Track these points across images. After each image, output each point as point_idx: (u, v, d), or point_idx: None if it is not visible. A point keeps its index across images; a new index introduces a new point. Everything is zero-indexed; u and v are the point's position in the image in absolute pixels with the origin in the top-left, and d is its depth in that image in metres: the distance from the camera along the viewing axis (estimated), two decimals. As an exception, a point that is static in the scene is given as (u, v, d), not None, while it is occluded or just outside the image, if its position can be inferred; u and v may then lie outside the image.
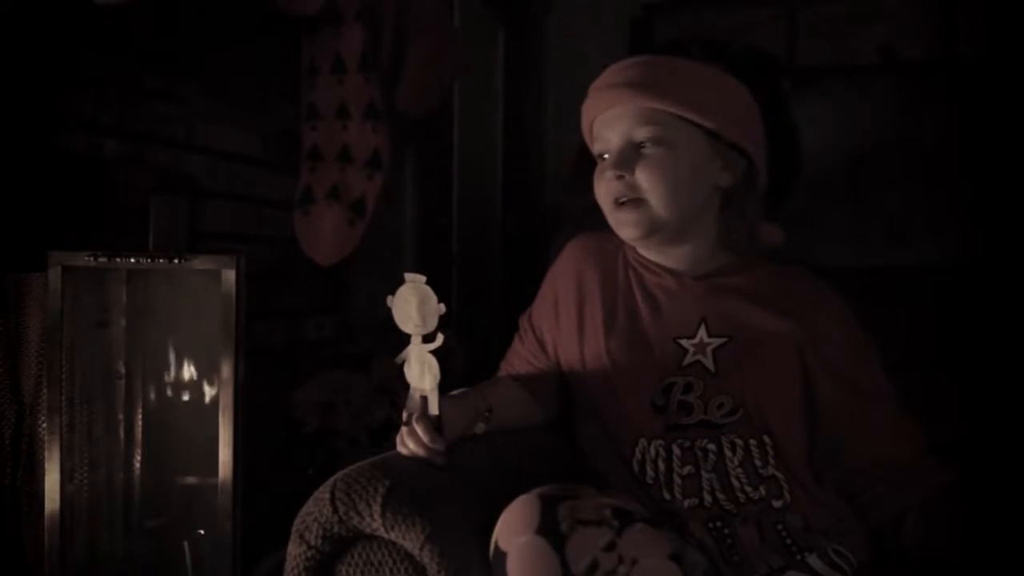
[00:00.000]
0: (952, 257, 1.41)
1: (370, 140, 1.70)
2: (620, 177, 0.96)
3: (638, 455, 0.96)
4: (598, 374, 1.01)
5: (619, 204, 0.98)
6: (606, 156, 1.00)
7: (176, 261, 1.20)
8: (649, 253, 1.05)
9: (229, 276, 1.21)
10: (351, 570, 0.88)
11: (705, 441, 0.94)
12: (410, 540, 0.83)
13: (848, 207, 1.45)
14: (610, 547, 0.74)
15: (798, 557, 0.90)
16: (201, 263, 1.22)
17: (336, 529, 0.86)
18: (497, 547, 0.79)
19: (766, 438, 0.95)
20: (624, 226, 0.99)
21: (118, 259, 1.19)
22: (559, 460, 1.05)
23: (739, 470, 0.93)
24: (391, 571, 0.86)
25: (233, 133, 1.63)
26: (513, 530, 0.78)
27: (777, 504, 0.93)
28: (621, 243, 1.06)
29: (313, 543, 0.87)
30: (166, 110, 1.46)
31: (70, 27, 1.24)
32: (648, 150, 0.96)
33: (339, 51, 1.68)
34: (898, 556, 0.95)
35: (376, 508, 0.84)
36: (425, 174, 2.37)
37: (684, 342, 0.99)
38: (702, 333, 0.98)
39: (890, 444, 0.97)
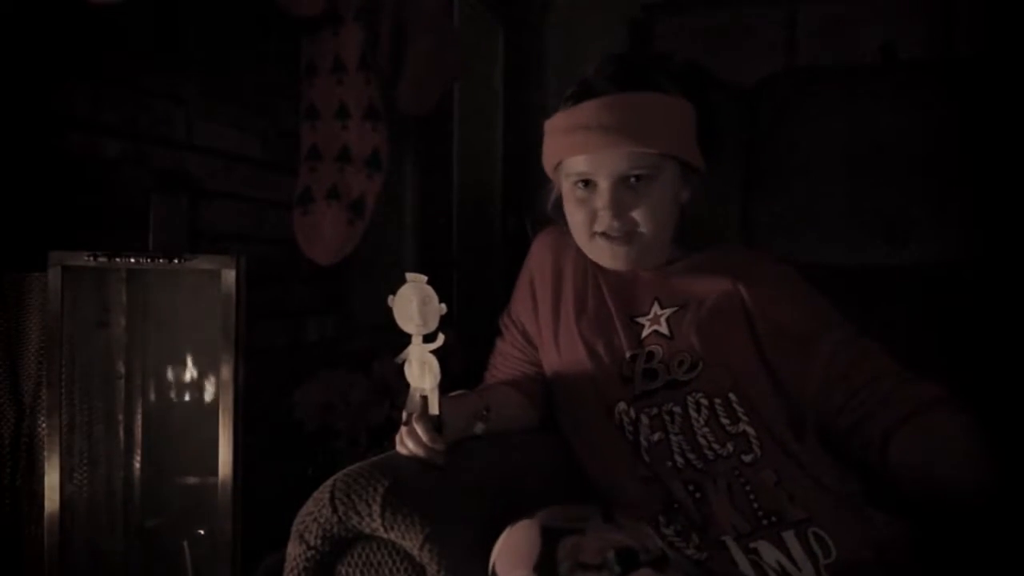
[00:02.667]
0: (952, 257, 1.41)
1: (369, 140, 1.70)
2: (618, 216, 1.01)
3: (616, 416, 1.00)
4: (572, 356, 1.06)
5: (608, 236, 1.02)
6: (587, 184, 1.03)
7: (176, 261, 1.20)
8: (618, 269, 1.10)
9: (229, 276, 1.21)
10: (351, 570, 0.88)
11: (671, 404, 0.98)
12: (410, 540, 0.83)
13: (848, 207, 1.45)
14: None
15: (764, 522, 0.89)
16: (201, 263, 1.22)
17: (336, 529, 0.86)
18: (495, 574, 0.78)
19: (731, 395, 0.98)
20: (615, 258, 1.04)
21: (118, 259, 1.19)
22: (558, 459, 1.06)
23: (705, 429, 0.96)
24: (391, 571, 0.86)
25: (233, 133, 1.63)
26: (511, 563, 0.77)
27: (747, 459, 0.94)
28: None
29: (313, 543, 0.87)
30: (166, 110, 1.46)
31: (70, 27, 1.24)
32: (642, 189, 1.01)
33: (339, 51, 1.68)
34: (890, 487, 0.94)
35: (376, 508, 0.84)
36: (425, 174, 2.37)
37: (640, 319, 1.06)
38: (655, 308, 1.06)
39: (852, 370, 0.99)
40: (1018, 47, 2.17)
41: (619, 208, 1.00)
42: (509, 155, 2.84)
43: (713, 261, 1.08)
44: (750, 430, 0.96)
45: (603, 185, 1.01)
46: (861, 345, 1.01)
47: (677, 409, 0.98)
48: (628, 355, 1.03)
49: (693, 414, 0.97)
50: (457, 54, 2.04)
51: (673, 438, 0.96)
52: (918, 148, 1.44)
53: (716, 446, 0.95)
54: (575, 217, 1.05)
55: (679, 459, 0.95)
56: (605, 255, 1.05)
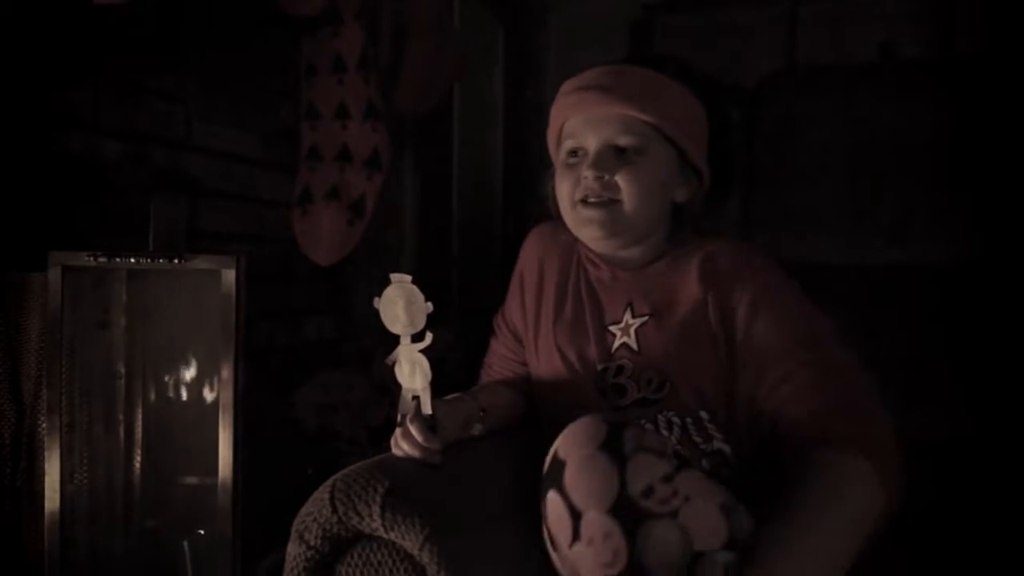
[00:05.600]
0: (952, 257, 1.41)
1: (369, 140, 1.70)
2: (599, 177, 0.97)
3: None
4: (548, 362, 1.05)
5: (587, 202, 0.99)
6: (576, 153, 1.01)
7: (176, 261, 1.20)
8: (602, 252, 1.07)
9: (229, 276, 1.21)
10: (351, 570, 0.88)
11: (644, 422, 0.96)
12: (410, 540, 0.83)
13: (848, 207, 1.45)
14: (668, 479, 0.76)
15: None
16: (201, 263, 1.22)
17: (336, 529, 0.86)
18: (556, 457, 0.80)
19: (703, 414, 0.95)
20: (589, 223, 0.99)
21: (118, 259, 1.19)
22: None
23: (678, 447, 0.93)
24: (391, 571, 0.86)
25: (233, 133, 1.63)
26: (577, 443, 0.79)
27: (725, 473, 0.93)
28: (576, 238, 1.08)
29: (313, 543, 0.87)
30: (166, 110, 1.46)
31: (70, 27, 1.24)
32: (630, 157, 0.98)
33: (338, 51, 1.69)
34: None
35: (376, 508, 0.84)
36: (425, 174, 2.37)
37: (613, 327, 1.02)
38: (627, 316, 1.02)
39: (801, 394, 0.91)
40: (1018, 47, 2.17)
41: (601, 167, 0.96)
42: (509, 155, 2.84)
43: (693, 261, 1.01)
44: (725, 448, 0.94)
45: (591, 148, 0.99)
46: (807, 363, 0.92)
47: (650, 427, 0.95)
48: (599, 367, 1.00)
49: (664, 433, 0.95)
50: (457, 54, 2.04)
51: None
52: (918, 148, 1.44)
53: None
54: (562, 187, 1.02)
55: None
56: (584, 225, 1.00)
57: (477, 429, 1.01)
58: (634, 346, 1.00)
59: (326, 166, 1.70)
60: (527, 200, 2.80)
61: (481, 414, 1.01)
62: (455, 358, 1.73)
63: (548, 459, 0.81)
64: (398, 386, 0.92)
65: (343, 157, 1.70)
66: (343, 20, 1.67)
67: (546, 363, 1.06)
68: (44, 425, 1.17)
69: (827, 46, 2.52)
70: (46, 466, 1.16)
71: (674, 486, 0.76)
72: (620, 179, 0.97)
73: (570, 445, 0.79)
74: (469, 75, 2.44)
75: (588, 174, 0.98)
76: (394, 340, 0.91)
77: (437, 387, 0.92)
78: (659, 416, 0.96)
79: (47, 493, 1.16)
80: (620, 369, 1.00)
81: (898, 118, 1.46)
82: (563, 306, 1.06)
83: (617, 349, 1.01)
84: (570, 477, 0.77)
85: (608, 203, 0.98)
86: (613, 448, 0.77)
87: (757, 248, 1.05)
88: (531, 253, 1.13)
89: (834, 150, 1.47)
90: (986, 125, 1.42)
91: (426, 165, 2.37)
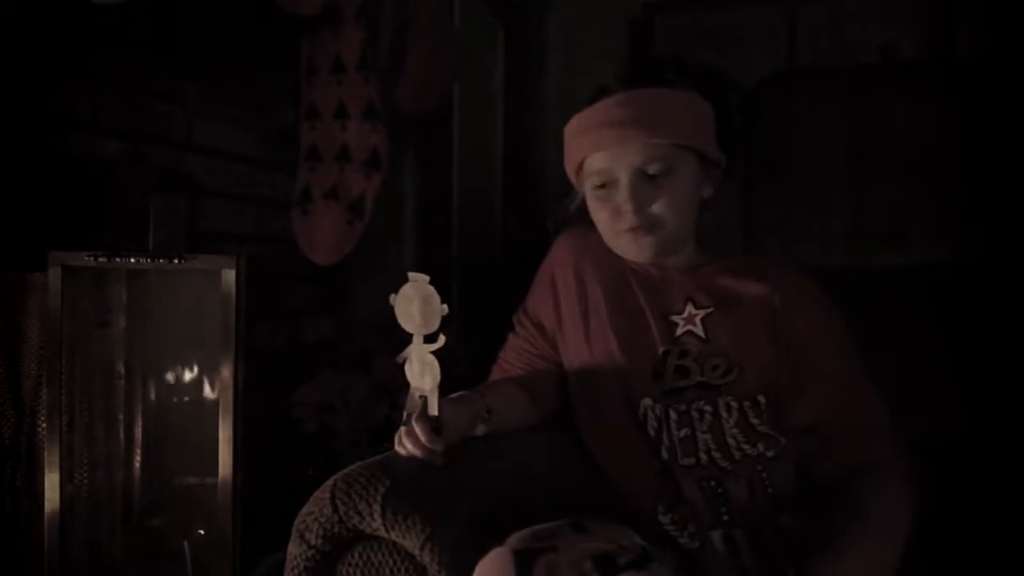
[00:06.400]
0: (952, 257, 1.41)
1: (369, 140, 1.70)
2: (639, 210, 1.01)
3: (640, 415, 1.01)
4: (603, 350, 1.06)
5: (634, 230, 1.02)
6: (605, 185, 1.03)
7: (176, 261, 1.20)
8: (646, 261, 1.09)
9: (229, 276, 1.21)
10: (351, 570, 0.88)
11: (702, 403, 0.99)
12: (410, 540, 0.83)
13: (848, 207, 1.45)
14: None
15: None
16: (201, 263, 1.22)
17: (336, 529, 0.86)
18: None
19: (760, 397, 0.99)
20: (641, 249, 1.04)
21: (118, 259, 1.19)
22: (559, 458, 1.06)
23: (735, 430, 0.97)
24: (391, 571, 0.86)
25: (233, 133, 1.63)
26: None
27: (770, 454, 0.97)
28: None
29: (313, 543, 0.87)
30: (166, 110, 1.46)
31: (70, 26, 1.24)
32: (661, 181, 1.01)
33: (338, 51, 1.68)
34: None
35: (376, 508, 0.84)
36: (425, 174, 2.37)
37: (674, 317, 1.05)
38: (689, 308, 1.05)
39: (837, 422, 0.98)
40: (1019, 47, 2.17)
41: (639, 201, 1.00)
42: (509, 155, 2.84)
43: (745, 265, 1.08)
44: (771, 432, 0.98)
45: (623, 180, 1.01)
46: (848, 387, 1.00)
47: (708, 408, 0.99)
48: (661, 350, 1.03)
49: (723, 414, 0.98)
50: (457, 54, 2.04)
51: (701, 436, 0.98)
52: (919, 148, 1.44)
53: (746, 446, 0.96)
54: (599, 217, 1.05)
55: (703, 456, 0.97)
56: (631, 248, 1.05)
57: (480, 430, 1.01)
58: (701, 334, 1.03)
59: (326, 166, 1.70)
60: (527, 200, 2.81)
61: (487, 415, 1.01)
62: (454, 358, 1.73)
63: None
64: (406, 384, 0.92)
65: (343, 157, 1.69)
66: (343, 20, 1.66)
67: (599, 351, 1.06)
68: (44, 425, 1.17)
69: (827, 46, 2.52)
70: (46, 466, 1.16)
71: None
72: (658, 207, 1.01)
73: None
74: (469, 75, 2.44)
75: (627, 208, 1.01)
76: (401, 338, 0.91)
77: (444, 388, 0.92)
78: (719, 399, 0.98)
79: (47, 493, 1.16)
80: (684, 352, 1.02)
81: (898, 119, 1.46)
82: (618, 299, 1.08)
83: (681, 335, 1.03)
84: None
85: (651, 227, 1.02)
86: None
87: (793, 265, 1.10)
88: (564, 256, 1.14)
89: (834, 151, 1.47)
90: (986, 125, 1.42)
91: (426, 165, 2.37)
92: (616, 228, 1.03)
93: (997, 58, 1.52)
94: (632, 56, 2.76)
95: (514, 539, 0.78)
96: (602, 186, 1.03)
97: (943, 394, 1.31)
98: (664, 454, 0.98)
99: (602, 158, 1.02)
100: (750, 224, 1.50)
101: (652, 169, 1.00)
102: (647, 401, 1.01)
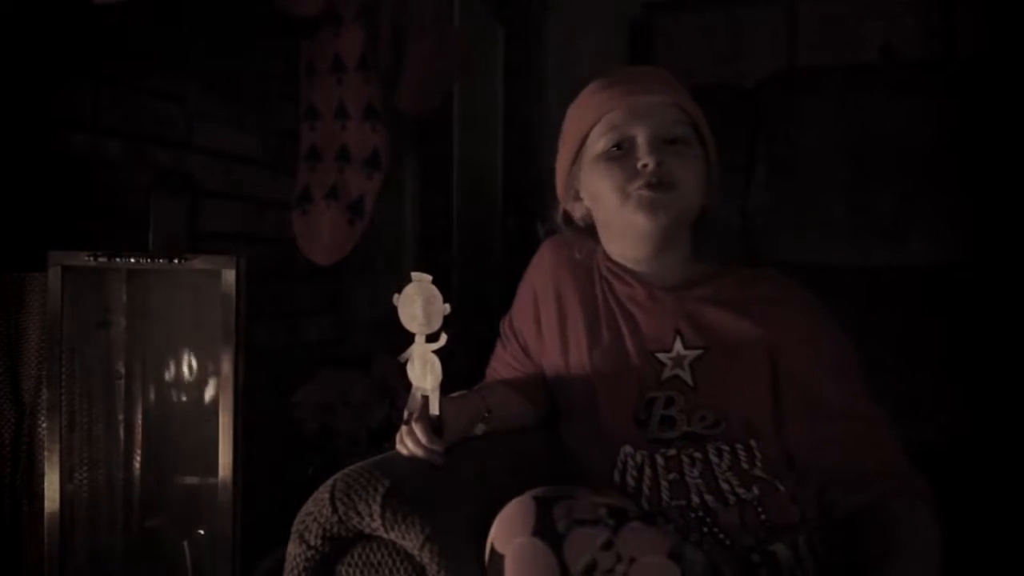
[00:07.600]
0: (952, 257, 1.41)
1: (369, 140, 1.70)
2: (660, 163, 0.96)
3: (619, 464, 0.96)
4: (581, 384, 1.02)
5: (651, 186, 0.96)
6: (621, 146, 0.99)
7: (176, 261, 1.20)
8: (627, 261, 1.05)
9: (229, 276, 1.21)
10: (351, 570, 0.88)
11: (691, 450, 0.94)
12: (410, 540, 0.83)
13: (848, 207, 1.45)
14: (608, 545, 0.74)
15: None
16: (201, 263, 1.22)
17: (336, 529, 0.86)
18: (493, 550, 0.78)
19: (752, 442, 0.94)
20: (655, 211, 0.96)
21: (118, 259, 1.19)
22: (557, 459, 1.06)
23: (728, 473, 0.92)
24: (391, 571, 0.86)
25: (233, 133, 1.63)
26: (509, 532, 0.77)
27: (767, 499, 0.91)
28: (592, 253, 1.07)
29: (313, 543, 0.87)
30: (166, 110, 1.46)
31: (70, 27, 1.24)
32: (680, 148, 0.98)
33: (338, 51, 1.68)
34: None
35: (376, 508, 0.84)
36: (425, 174, 2.37)
37: (662, 356, 0.99)
38: (678, 346, 0.99)
39: (852, 454, 0.93)
40: (1018, 47, 2.17)
41: (660, 153, 0.95)
42: (509, 155, 2.84)
43: (741, 292, 1.01)
44: (764, 475, 0.93)
45: (642, 138, 0.97)
46: (857, 419, 0.95)
47: (698, 455, 0.93)
48: (646, 397, 0.97)
49: (714, 459, 0.93)
50: (457, 54, 2.04)
51: (691, 481, 0.92)
52: (918, 148, 1.44)
53: (740, 490, 0.91)
54: (608, 181, 0.98)
55: (695, 498, 0.91)
56: (642, 210, 0.96)
57: (480, 429, 1.01)
58: (689, 381, 0.97)
59: (326, 166, 1.70)
60: (527, 200, 2.81)
61: (487, 415, 1.01)
62: (453, 358, 1.73)
63: (487, 551, 0.79)
64: (407, 384, 0.92)
65: (343, 157, 1.69)
66: (343, 20, 1.66)
67: (576, 386, 1.02)
68: (44, 425, 1.17)
69: (827, 46, 2.52)
70: (46, 466, 1.16)
71: (616, 551, 0.73)
72: (676, 167, 0.96)
73: (504, 536, 0.77)
74: (469, 75, 2.44)
75: (648, 160, 0.95)
76: (402, 338, 0.91)
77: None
78: (708, 446, 0.94)
79: (47, 493, 1.16)
80: (671, 400, 0.96)
81: (898, 118, 1.46)
82: (597, 331, 1.03)
83: (668, 379, 0.97)
84: (510, 570, 0.76)
85: (669, 185, 0.96)
86: (547, 531, 0.74)
87: (792, 278, 1.04)
88: (543, 270, 1.10)
89: (834, 150, 1.47)
90: (986, 125, 1.42)
91: (426, 165, 2.37)
92: (630, 188, 0.96)
93: (996, 58, 1.52)
94: (632, 56, 2.77)
95: (533, 490, 0.79)
96: (616, 147, 0.98)
97: (943, 394, 1.31)
98: (645, 504, 0.92)
99: (621, 116, 0.98)
100: (750, 224, 1.50)
101: (674, 132, 0.97)
102: (627, 448, 0.95)
